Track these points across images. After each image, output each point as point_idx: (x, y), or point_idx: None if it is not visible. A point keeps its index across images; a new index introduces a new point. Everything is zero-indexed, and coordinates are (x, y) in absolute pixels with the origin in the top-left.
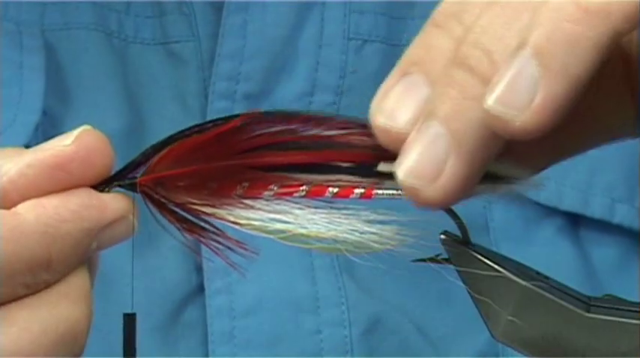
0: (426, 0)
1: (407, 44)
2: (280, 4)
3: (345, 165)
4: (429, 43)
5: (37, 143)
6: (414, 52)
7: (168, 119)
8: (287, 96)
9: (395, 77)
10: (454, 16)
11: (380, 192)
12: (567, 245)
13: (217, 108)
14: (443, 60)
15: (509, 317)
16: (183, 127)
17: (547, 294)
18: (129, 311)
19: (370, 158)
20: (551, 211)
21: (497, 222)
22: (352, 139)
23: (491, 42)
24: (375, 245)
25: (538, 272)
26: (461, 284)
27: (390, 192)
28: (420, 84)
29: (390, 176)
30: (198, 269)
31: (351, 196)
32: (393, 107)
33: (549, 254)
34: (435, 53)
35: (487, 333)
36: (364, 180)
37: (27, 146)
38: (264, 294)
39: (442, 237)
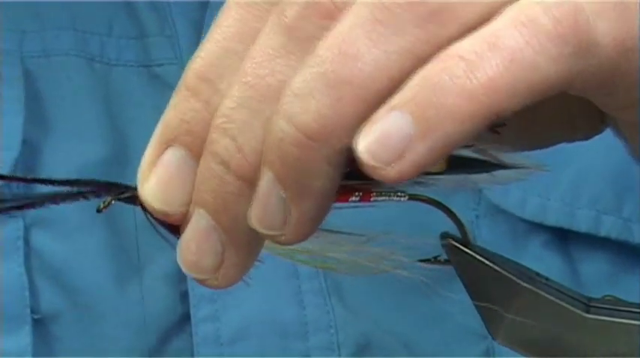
0: None
1: None
2: None
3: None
4: (186, 114)
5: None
6: (171, 120)
7: None
8: None
9: (156, 149)
10: (209, 81)
11: (379, 197)
12: (556, 260)
13: None
14: (201, 133)
15: (510, 319)
16: None
17: (547, 295)
18: (114, 345)
19: None
20: (538, 226)
21: (484, 238)
22: None
23: (238, 133)
24: (370, 265)
25: (538, 273)
26: (446, 300)
27: (389, 194)
28: (183, 159)
29: None
30: (183, 298)
31: (350, 200)
32: (161, 186)
33: (538, 269)
34: (195, 126)
35: (478, 349)
36: (362, 182)
37: (20, 193)
38: (251, 320)
39: (442, 237)
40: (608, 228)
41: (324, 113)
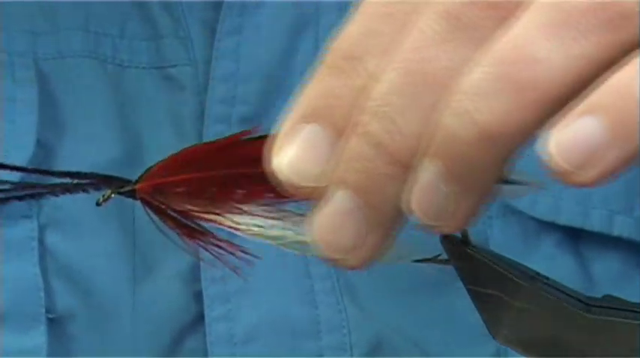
0: None
1: None
2: (274, 25)
3: None
4: (328, 91)
5: (31, 179)
6: (312, 96)
7: (165, 145)
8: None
9: (294, 122)
10: (353, 60)
11: None
12: (568, 259)
13: (213, 132)
14: (346, 112)
15: (510, 319)
16: None
17: (547, 295)
18: (128, 345)
19: None
20: (550, 225)
21: (496, 238)
22: None
23: (393, 118)
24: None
25: (538, 273)
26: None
27: None
28: (323, 136)
29: None
30: (197, 298)
31: None
32: (297, 159)
33: (549, 268)
34: (336, 103)
35: (489, 349)
36: None
37: (20, 182)
38: (264, 320)
39: (442, 236)
40: (621, 227)
41: (505, 115)
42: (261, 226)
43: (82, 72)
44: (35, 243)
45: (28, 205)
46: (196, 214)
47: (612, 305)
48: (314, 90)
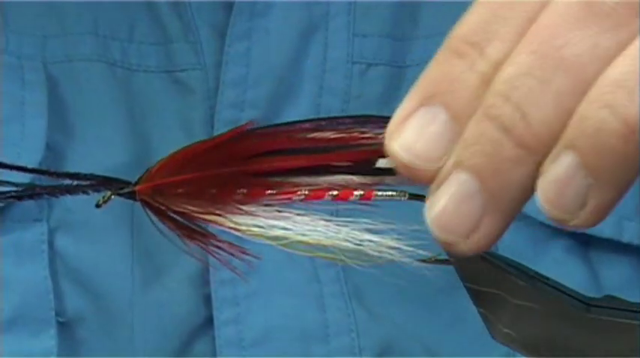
0: (430, 15)
1: (412, 65)
2: (283, 29)
3: (343, 164)
4: (449, 74)
5: (41, 181)
6: (432, 79)
7: (174, 148)
8: None
9: (412, 104)
10: (476, 45)
11: (380, 193)
12: (577, 265)
13: None
14: (467, 96)
15: (509, 318)
16: None
17: (547, 295)
18: (137, 348)
19: (368, 155)
20: (560, 231)
21: (505, 243)
22: (348, 139)
23: (525, 102)
24: (375, 254)
25: (537, 273)
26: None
27: (390, 193)
28: (442, 119)
29: (389, 172)
30: (206, 301)
31: (351, 198)
32: (414, 140)
33: (559, 275)
34: (458, 87)
35: (499, 353)
36: (364, 179)
37: (31, 184)
38: (273, 324)
39: None
40: (630, 233)
41: None
42: (261, 227)
43: (91, 75)
44: (45, 246)
45: (38, 208)
46: (196, 215)
47: (612, 305)
48: (434, 73)
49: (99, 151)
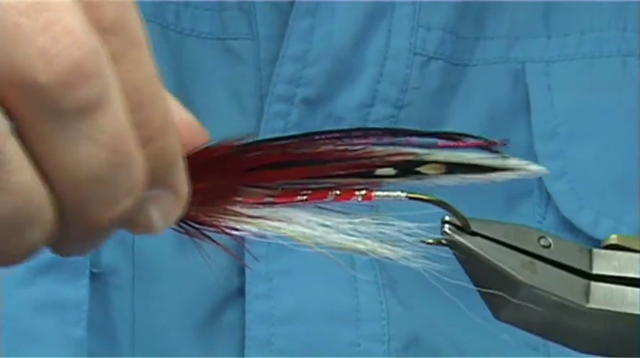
0: (495, 17)
1: (470, 64)
2: (349, 10)
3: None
4: None
5: None
6: None
7: (222, 117)
8: (346, 104)
9: None
10: None
11: (380, 194)
12: None
13: (274, 111)
14: None
15: (512, 304)
16: (238, 127)
17: (547, 295)
18: (167, 308)
19: (366, 167)
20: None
21: None
22: (347, 153)
23: None
24: (386, 251)
25: (542, 236)
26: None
27: (390, 193)
28: None
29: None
30: (240, 272)
31: (353, 198)
32: None
33: None
34: None
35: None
36: (364, 180)
37: None
38: (304, 303)
39: (442, 223)
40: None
41: None
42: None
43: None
44: None
45: None
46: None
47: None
48: None
49: None
